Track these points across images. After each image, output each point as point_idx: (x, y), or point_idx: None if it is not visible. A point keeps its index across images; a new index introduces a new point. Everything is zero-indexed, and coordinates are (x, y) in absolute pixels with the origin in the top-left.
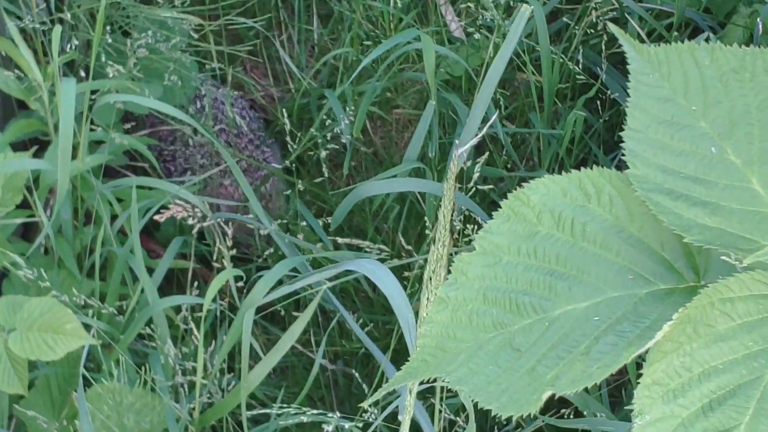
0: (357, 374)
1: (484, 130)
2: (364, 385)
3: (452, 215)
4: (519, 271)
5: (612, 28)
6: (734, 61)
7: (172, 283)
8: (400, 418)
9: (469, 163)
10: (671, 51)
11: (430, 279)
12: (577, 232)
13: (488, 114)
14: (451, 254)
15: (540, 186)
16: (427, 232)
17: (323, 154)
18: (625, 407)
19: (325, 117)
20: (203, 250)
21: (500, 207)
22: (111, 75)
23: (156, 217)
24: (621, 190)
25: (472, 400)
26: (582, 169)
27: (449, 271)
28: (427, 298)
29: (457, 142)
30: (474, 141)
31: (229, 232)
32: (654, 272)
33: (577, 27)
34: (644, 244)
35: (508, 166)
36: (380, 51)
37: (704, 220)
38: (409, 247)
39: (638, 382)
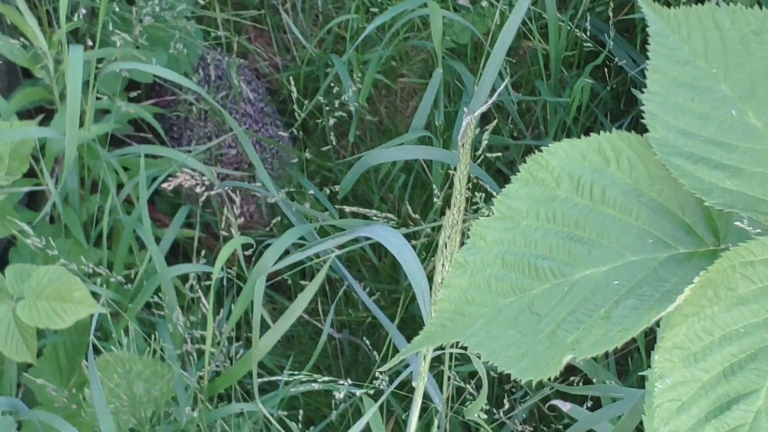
0: (365, 342)
1: (494, 97)
2: (372, 354)
3: (470, 182)
4: (538, 235)
5: None
6: (755, 23)
7: (177, 253)
8: (414, 384)
9: (477, 131)
10: (691, 13)
11: (445, 244)
12: (597, 196)
13: (495, 83)
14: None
15: (559, 150)
16: (435, 200)
17: (330, 122)
18: (632, 374)
19: (330, 85)
20: (208, 219)
21: (506, 175)
22: (117, 43)
23: (164, 186)
24: (641, 153)
25: (492, 364)
26: (601, 132)
27: (465, 237)
28: (442, 264)
29: (465, 109)
30: (483, 108)
31: (237, 200)
32: (674, 236)
33: None
34: (664, 207)
35: (514, 134)
36: (386, 17)
37: (725, 183)
38: (416, 216)
39: (659, 346)
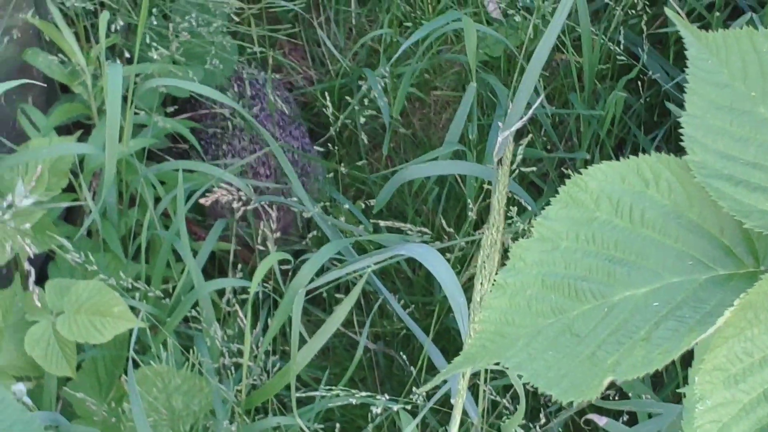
0: (402, 355)
1: (530, 112)
2: (409, 367)
3: (506, 200)
4: (577, 257)
5: (669, 13)
6: None
7: (213, 265)
8: (452, 401)
9: (512, 146)
10: (729, 36)
11: (484, 264)
12: (636, 218)
13: (530, 98)
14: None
15: (598, 172)
16: (469, 213)
17: (364, 137)
18: (668, 387)
19: (363, 97)
20: (244, 232)
21: (539, 187)
22: (155, 58)
23: (201, 201)
24: (679, 175)
25: (532, 385)
26: (640, 154)
27: (504, 256)
28: (481, 283)
29: (500, 124)
30: (519, 124)
31: (273, 214)
32: (713, 258)
33: (616, 7)
34: (703, 229)
35: (548, 147)
36: (422, 33)
37: (764, 206)
38: (451, 230)
39: (700, 368)
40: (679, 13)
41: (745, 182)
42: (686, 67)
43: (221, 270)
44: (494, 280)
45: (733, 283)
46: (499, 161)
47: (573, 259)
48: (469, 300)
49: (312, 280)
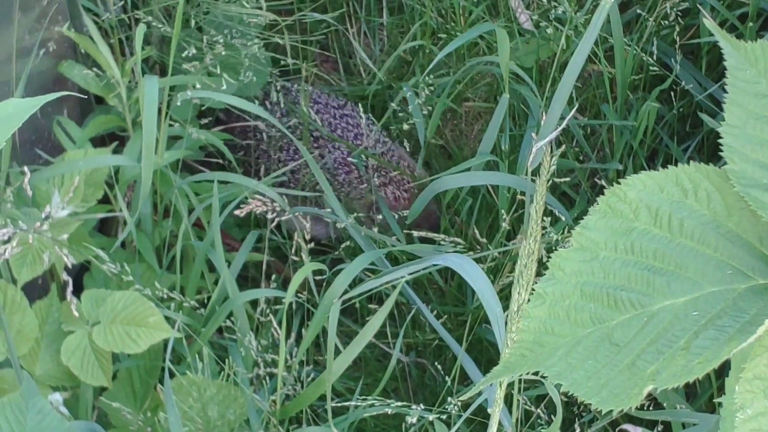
0: (437, 366)
1: (564, 123)
2: (443, 377)
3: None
4: (616, 266)
5: (707, 23)
6: None
7: (245, 276)
8: (489, 410)
9: (547, 156)
10: None
11: (522, 273)
12: (675, 228)
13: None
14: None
15: (636, 182)
16: (503, 224)
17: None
18: (702, 399)
19: (396, 108)
20: (277, 242)
21: (571, 197)
22: (190, 70)
23: (236, 212)
24: (718, 185)
25: (567, 395)
26: (678, 164)
27: (543, 266)
28: (519, 293)
29: (534, 136)
30: (554, 135)
31: (307, 225)
32: (753, 267)
33: (649, 17)
34: (742, 239)
35: (580, 157)
36: (457, 44)
37: None
38: (484, 240)
39: (740, 377)
40: (704, 22)
41: None
42: (719, 77)
43: (254, 281)
44: (533, 290)
45: None
46: (535, 172)
47: (612, 269)
48: (505, 309)
49: (346, 291)
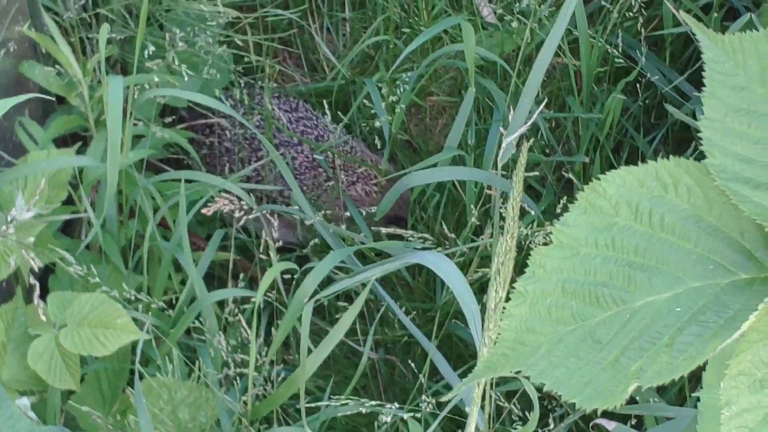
0: (408, 363)
1: (533, 117)
2: (413, 375)
3: (520, 206)
4: (597, 263)
5: (685, 17)
6: None
7: (212, 274)
8: (467, 409)
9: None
10: (746, 39)
11: (499, 271)
12: (656, 223)
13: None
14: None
15: (616, 177)
16: (471, 219)
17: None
18: (671, 392)
19: (361, 105)
20: (243, 241)
21: (537, 191)
22: (153, 69)
23: (203, 210)
24: (699, 179)
25: (556, 393)
26: (658, 159)
27: (524, 263)
28: (496, 290)
29: (502, 130)
30: (523, 129)
31: (275, 223)
32: (734, 262)
33: (612, 9)
34: (724, 233)
35: (546, 151)
36: (422, 40)
37: None
38: (452, 235)
39: (725, 373)
40: (675, 14)
41: (766, 185)
42: (683, 68)
43: (221, 280)
44: (514, 288)
45: (755, 287)
46: (505, 167)
47: (593, 266)
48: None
49: (316, 291)
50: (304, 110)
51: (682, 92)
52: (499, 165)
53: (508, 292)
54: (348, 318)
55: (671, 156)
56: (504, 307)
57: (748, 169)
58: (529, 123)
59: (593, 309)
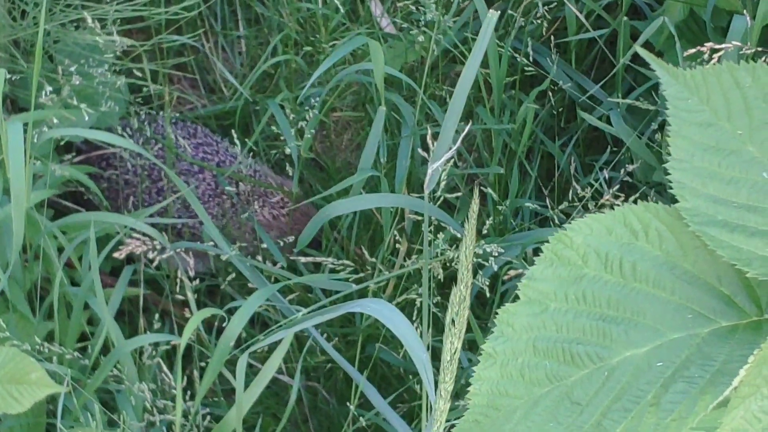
0: (331, 392)
1: (459, 141)
2: (339, 402)
3: (473, 253)
4: (569, 318)
5: (642, 52)
6: None
7: (121, 310)
8: None
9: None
10: (709, 73)
11: (453, 321)
12: (627, 272)
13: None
14: (403, 262)
15: (582, 226)
16: (387, 240)
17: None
18: None
19: (265, 126)
20: (150, 274)
21: (452, 204)
22: (47, 104)
23: (115, 255)
24: (669, 224)
25: None
26: (625, 204)
27: (495, 314)
28: (451, 342)
29: (424, 153)
30: (449, 154)
31: (191, 261)
32: (714, 309)
33: (515, 13)
34: (700, 279)
35: (457, 163)
36: (329, 63)
37: (765, 251)
38: (373, 259)
39: (716, 430)
40: (578, 15)
41: (742, 227)
42: (587, 70)
43: (130, 315)
44: (482, 350)
45: (738, 335)
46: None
47: (564, 321)
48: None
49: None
50: (203, 135)
51: (593, 97)
52: (426, 191)
53: (464, 344)
54: (276, 358)
55: (638, 201)
56: (460, 360)
57: (723, 211)
58: (454, 148)
59: (568, 368)
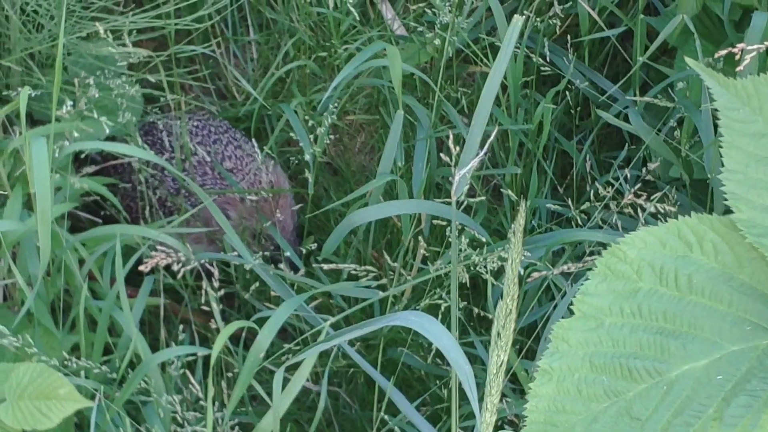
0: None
1: (486, 147)
2: (354, 404)
3: (519, 266)
4: (625, 332)
5: (691, 63)
6: None
7: (141, 320)
8: None
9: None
10: (760, 82)
11: (499, 334)
12: (683, 285)
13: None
14: (422, 266)
15: (636, 240)
16: (420, 251)
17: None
18: None
19: (281, 130)
20: (168, 282)
21: (472, 208)
22: (65, 117)
23: (141, 268)
24: (725, 235)
25: None
26: (680, 217)
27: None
28: (497, 354)
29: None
30: (476, 161)
31: (215, 272)
32: None
33: (528, 12)
34: (758, 291)
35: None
36: (353, 67)
37: None
38: (395, 264)
39: None
40: (591, 12)
41: None
42: (600, 66)
43: (150, 325)
44: (538, 366)
45: None
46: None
47: (621, 336)
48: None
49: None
50: (230, 132)
51: (604, 91)
52: (453, 198)
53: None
54: (306, 368)
55: (692, 213)
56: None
57: None
58: (482, 155)
59: (626, 383)
